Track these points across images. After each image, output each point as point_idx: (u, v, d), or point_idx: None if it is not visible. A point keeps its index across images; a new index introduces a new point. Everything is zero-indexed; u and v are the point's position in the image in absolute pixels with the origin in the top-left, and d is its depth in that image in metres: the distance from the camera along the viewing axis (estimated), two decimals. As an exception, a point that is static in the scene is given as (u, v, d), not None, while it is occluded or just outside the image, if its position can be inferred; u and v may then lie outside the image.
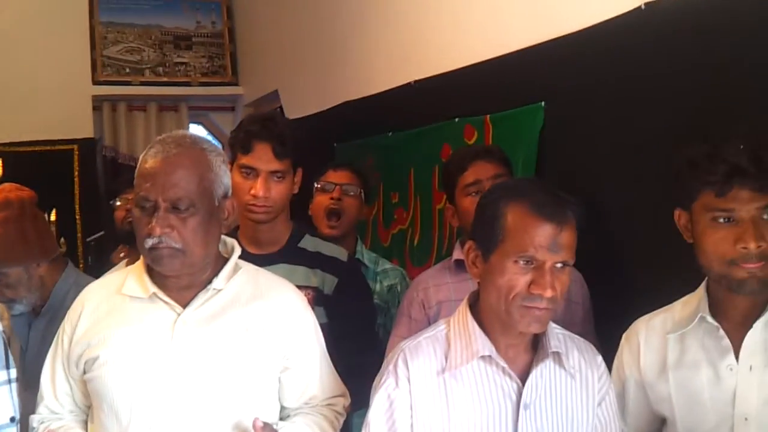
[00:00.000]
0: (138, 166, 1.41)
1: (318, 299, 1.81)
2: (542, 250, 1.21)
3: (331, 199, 2.26)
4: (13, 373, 1.58)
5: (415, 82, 2.67)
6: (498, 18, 2.27)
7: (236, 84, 5.06)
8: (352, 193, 2.31)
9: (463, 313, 1.33)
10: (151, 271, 1.43)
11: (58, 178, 4.49)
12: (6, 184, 1.98)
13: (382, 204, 2.94)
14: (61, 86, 4.54)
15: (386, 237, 2.91)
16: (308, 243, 1.89)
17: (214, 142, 5.30)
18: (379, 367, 1.99)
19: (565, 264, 1.23)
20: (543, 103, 2.04)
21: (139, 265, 1.47)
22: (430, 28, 2.63)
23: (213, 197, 1.40)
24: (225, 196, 1.44)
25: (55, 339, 1.53)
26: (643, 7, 1.73)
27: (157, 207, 1.34)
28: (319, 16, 3.65)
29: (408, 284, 2.37)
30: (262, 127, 1.81)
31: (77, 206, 4.57)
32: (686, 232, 1.34)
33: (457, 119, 2.41)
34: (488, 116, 2.25)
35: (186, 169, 1.36)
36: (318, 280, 1.84)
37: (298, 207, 1.93)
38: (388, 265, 2.39)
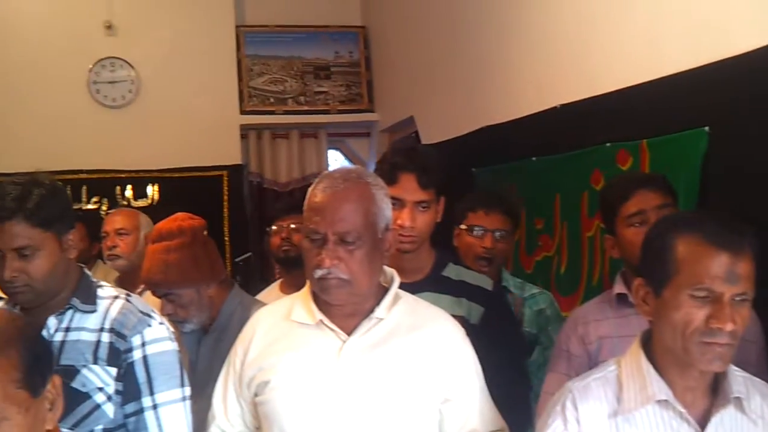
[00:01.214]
0: (307, 199, 1.46)
1: (465, 328, 1.80)
2: (719, 281, 1.15)
3: (483, 247, 2.21)
4: (187, 391, 1.69)
5: (561, 105, 2.62)
6: (655, 39, 2.18)
7: (372, 111, 5.20)
8: (504, 238, 2.24)
9: (635, 353, 1.28)
10: (316, 299, 1.49)
11: (209, 201, 4.78)
12: (179, 214, 2.13)
13: (524, 230, 2.89)
14: (212, 116, 4.86)
15: (529, 264, 2.86)
16: (452, 271, 1.89)
17: (351, 166, 5.47)
18: (528, 399, 1.95)
19: (744, 296, 1.16)
20: (707, 128, 1.94)
21: (306, 292, 1.53)
22: (578, 50, 2.57)
23: (377, 230, 1.44)
24: (387, 229, 1.48)
25: (227, 361, 1.61)
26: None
27: (326, 240, 1.39)
28: (456, 42, 3.68)
29: (557, 309, 2.32)
30: (406, 158, 1.85)
31: (226, 228, 4.84)
32: None
33: (608, 144, 2.34)
34: (645, 141, 2.16)
35: (353, 203, 1.41)
36: (464, 310, 1.83)
37: (436, 232, 1.94)
38: (535, 290, 2.33)
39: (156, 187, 4.79)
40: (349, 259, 1.40)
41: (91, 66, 4.73)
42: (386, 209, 1.48)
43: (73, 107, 4.70)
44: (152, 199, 4.78)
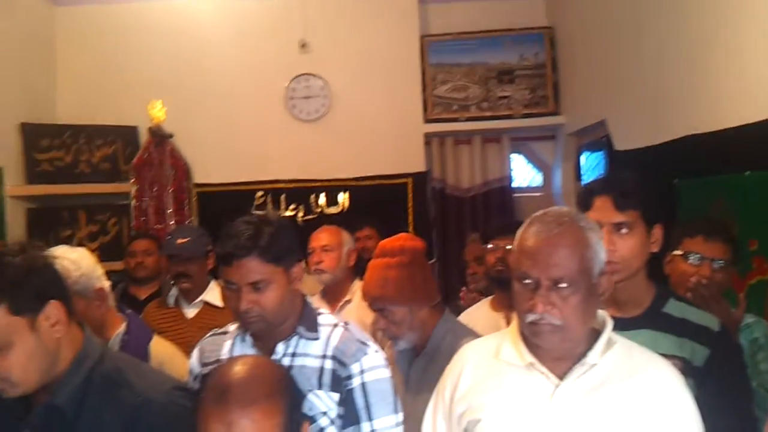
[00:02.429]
0: (518, 242, 1.48)
1: (686, 370, 1.70)
2: None
3: (699, 275, 2.06)
4: (401, 416, 1.78)
5: (782, 117, 2.40)
6: None
7: (558, 113, 5.07)
8: (723, 269, 2.08)
9: None
10: (525, 339, 1.50)
11: (394, 208, 4.95)
12: (402, 234, 2.23)
13: (735, 250, 2.68)
14: (397, 126, 5.02)
15: (741, 288, 2.64)
16: (674, 308, 1.78)
17: (535, 169, 5.38)
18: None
19: None
20: None
21: (514, 331, 1.55)
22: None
23: (591, 274, 1.42)
24: (601, 272, 1.46)
25: (435, 391, 1.67)
26: None
27: (539, 285, 1.40)
28: (653, 41, 3.48)
29: None
30: (602, 181, 1.82)
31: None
32: None
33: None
34: None
35: (567, 248, 1.41)
36: (687, 351, 1.72)
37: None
38: (750, 319, 2.16)
39: (346, 195, 5.03)
40: (562, 304, 1.40)
41: (287, 83, 5.07)
42: (600, 252, 1.46)
43: (273, 122, 5.07)
44: (343, 206, 5.03)
